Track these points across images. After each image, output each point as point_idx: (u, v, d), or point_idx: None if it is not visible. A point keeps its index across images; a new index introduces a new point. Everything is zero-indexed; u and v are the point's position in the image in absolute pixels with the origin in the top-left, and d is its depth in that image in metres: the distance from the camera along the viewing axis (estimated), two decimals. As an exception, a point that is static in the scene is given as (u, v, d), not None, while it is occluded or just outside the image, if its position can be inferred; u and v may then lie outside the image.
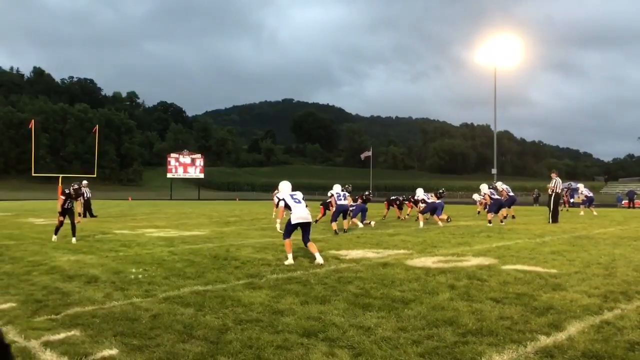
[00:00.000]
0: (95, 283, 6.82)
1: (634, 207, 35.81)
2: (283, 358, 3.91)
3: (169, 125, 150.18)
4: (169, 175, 72.20)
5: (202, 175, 74.62)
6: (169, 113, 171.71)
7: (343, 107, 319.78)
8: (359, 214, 16.15)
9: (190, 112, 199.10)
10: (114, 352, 4.08)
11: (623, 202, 38.44)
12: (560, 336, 4.36)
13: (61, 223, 12.22)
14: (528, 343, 4.17)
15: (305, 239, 8.77)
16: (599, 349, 4.01)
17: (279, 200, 9.24)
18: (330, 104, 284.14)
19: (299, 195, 9.16)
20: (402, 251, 9.86)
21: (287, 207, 8.84)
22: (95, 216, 21.67)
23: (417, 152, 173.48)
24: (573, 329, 4.56)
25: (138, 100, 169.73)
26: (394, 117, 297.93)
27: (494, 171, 57.68)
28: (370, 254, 9.51)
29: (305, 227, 8.80)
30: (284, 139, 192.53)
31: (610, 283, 6.52)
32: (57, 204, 12.04)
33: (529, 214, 24.10)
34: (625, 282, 6.62)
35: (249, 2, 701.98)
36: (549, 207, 17.80)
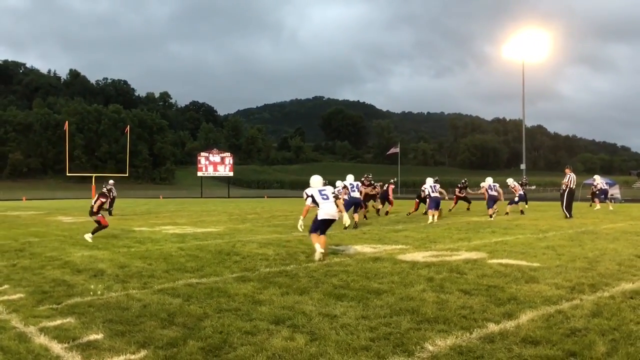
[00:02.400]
0: (100, 276, 7.37)
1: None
2: (246, 342, 4.32)
3: (200, 125, 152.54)
4: (199, 173, 73.43)
5: (231, 174, 75.64)
6: (200, 112, 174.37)
7: (374, 103, 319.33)
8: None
9: (222, 111, 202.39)
10: (99, 336, 4.55)
11: (653, 197, 37.65)
12: (510, 324, 4.66)
13: (106, 224, 12.36)
14: (475, 330, 4.50)
15: (322, 232, 8.84)
16: (539, 335, 4.31)
17: (307, 196, 9.02)
18: (361, 101, 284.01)
19: (327, 191, 9.06)
20: (400, 246, 10.19)
21: (315, 202, 8.79)
22: (112, 215, 22.45)
23: (448, 148, 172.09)
24: (525, 317, 4.85)
25: (171, 101, 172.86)
26: (425, 113, 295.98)
27: (522, 166, 57.07)
28: (367, 249, 9.86)
29: (329, 223, 8.91)
30: (314, 137, 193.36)
31: (585, 276, 6.74)
32: (95, 205, 12.32)
33: (548, 209, 23.98)
34: (600, 275, 6.83)
35: (268, 1, 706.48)
36: (562, 202, 17.81)
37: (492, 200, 17.74)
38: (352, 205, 14.71)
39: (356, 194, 15.00)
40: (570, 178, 17.84)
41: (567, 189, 17.67)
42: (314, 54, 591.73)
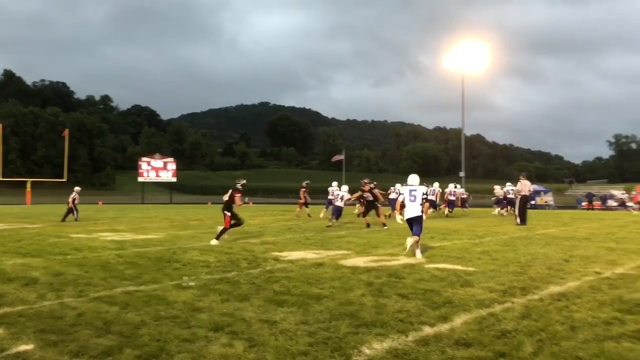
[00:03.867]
0: (33, 285, 7.09)
1: (592, 209, 36.85)
2: (184, 349, 4.28)
3: (142, 129, 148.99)
4: (140, 179, 71.65)
5: (174, 179, 74.20)
6: (143, 116, 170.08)
7: (319, 110, 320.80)
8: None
9: (165, 116, 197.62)
10: (29, 347, 4.39)
11: (583, 204, 39.51)
12: (444, 327, 4.81)
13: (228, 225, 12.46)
14: (411, 333, 4.62)
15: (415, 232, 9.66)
16: (471, 337, 4.47)
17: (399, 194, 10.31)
18: (307, 108, 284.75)
19: (417, 192, 10.03)
20: (342, 252, 10.30)
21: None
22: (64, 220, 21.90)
23: (391, 156, 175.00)
24: (459, 320, 5.02)
25: (112, 104, 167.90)
26: (369, 121, 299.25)
27: (462, 174, 58.69)
28: (310, 255, 9.92)
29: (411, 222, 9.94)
30: (260, 143, 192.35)
31: (517, 280, 7.03)
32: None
33: (485, 215, 24.76)
34: (531, 278, 7.14)
35: (206, 6, 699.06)
36: (515, 209, 18.57)
37: (452, 204, 19.19)
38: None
39: (339, 204, 17.81)
40: (523, 185, 18.54)
41: (520, 197, 18.37)
42: (256, 60, 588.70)
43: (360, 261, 8.90)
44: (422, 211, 9.93)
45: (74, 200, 22.34)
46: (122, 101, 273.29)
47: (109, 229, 17.72)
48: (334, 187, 21.60)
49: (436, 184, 21.95)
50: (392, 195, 20.40)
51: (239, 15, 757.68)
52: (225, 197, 12.69)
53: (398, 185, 20.22)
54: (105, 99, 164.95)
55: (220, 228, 12.35)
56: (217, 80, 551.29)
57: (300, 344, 4.36)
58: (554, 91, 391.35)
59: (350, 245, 11.56)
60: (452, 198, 19.23)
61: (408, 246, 9.42)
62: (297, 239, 13.16)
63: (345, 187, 19.32)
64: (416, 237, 9.43)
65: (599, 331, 4.64)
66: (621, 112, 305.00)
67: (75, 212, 21.98)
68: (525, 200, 18.63)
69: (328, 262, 8.87)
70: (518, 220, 17.91)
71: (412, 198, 9.96)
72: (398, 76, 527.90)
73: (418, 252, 9.37)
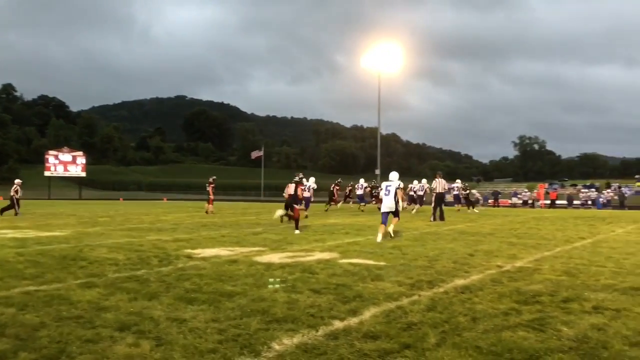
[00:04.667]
0: None
1: (498, 206, 38.87)
2: (86, 350, 4.10)
3: (50, 121, 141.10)
4: (46, 173, 68.08)
5: (84, 174, 71.12)
6: (50, 108, 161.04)
7: (238, 105, 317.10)
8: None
9: (75, 107, 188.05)
10: None
11: (489, 201, 41.61)
12: (354, 320, 4.90)
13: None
14: (321, 327, 4.67)
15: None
16: (379, 330, 4.59)
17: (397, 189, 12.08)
18: (225, 102, 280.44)
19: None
20: (257, 249, 10.27)
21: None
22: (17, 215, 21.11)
23: (310, 153, 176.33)
24: (368, 313, 5.13)
25: (15, 94, 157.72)
26: (289, 118, 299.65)
27: (377, 171, 60.07)
28: (224, 252, 9.81)
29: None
30: (176, 137, 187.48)
31: (425, 273, 7.30)
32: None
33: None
34: (438, 272, 7.43)
35: None
36: (432, 206, 19.27)
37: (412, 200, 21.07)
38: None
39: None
40: (437, 183, 19.24)
41: (436, 194, 19.05)
42: (171, 52, 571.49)
43: (275, 257, 8.91)
44: (396, 202, 11.85)
45: (16, 192, 21.85)
46: (27, 91, 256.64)
47: (10, 225, 16.70)
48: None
49: (424, 180, 23.57)
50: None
51: (152, 6, 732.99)
52: (291, 191, 14.41)
53: (362, 180, 27.05)
54: (8, 87, 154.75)
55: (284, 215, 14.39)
56: (130, 72, 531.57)
57: (209, 341, 4.29)
58: (463, 93, 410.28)
59: (266, 241, 11.54)
60: (411, 193, 21.62)
61: (380, 238, 11.24)
62: (212, 236, 12.98)
63: (312, 179, 22.71)
64: (387, 227, 11.68)
65: (498, 321, 4.89)
66: (524, 114, 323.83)
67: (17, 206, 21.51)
68: (440, 197, 19.40)
69: (242, 259, 8.81)
70: (432, 218, 18.62)
71: (387, 192, 11.92)
72: (315, 74, 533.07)
73: (391, 229, 11.81)
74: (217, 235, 13.03)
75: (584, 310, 5.31)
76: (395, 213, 12.11)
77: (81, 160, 69.46)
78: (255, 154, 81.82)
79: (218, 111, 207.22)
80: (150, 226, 12.91)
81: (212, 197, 24.12)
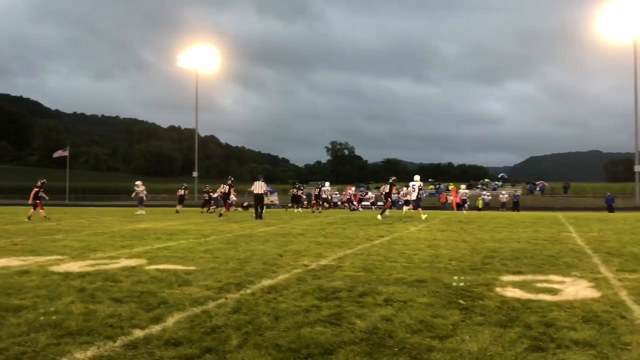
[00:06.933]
0: None
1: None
2: None
3: None
4: None
5: None
6: None
7: (40, 101, 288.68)
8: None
9: None
10: None
11: (305, 203, 43.57)
12: (156, 328, 4.75)
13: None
14: (120, 338, 4.45)
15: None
16: (181, 336, 4.50)
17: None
18: (24, 97, 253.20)
19: None
20: (55, 257, 9.45)
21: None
22: None
23: (123, 153, 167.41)
24: (172, 320, 5.01)
25: None
26: (100, 116, 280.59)
27: (195, 174, 59.14)
28: (15, 262, 8.86)
29: None
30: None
31: (234, 276, 7.34)
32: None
33: (214, 217, 25.39)
34: (247, 274, 7.52)
35: None
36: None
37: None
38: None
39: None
40: (255, 186, 20.76)
41: (255, 195, 21.08)
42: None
43: (74, 266, 8.27)
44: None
45: None
46: None
47: None
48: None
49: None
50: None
51: None
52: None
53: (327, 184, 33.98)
54: None
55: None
56: None
57: (-14, 363, 3.85)
58: (274, 99, 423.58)
59: (66, 249, 10.67)
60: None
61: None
62: (2, 244, 11.65)
63: (327, 183, 29.05)
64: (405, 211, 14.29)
65: (299, 319, 5.10)
66: (333, 122, 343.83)
67: None
68: (259, 199, 22.11)
69: (36, 269, 8.04)
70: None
71: (413, 189, 17.28)
72: (121, 71, 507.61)
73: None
74: (7, 244, 11.72)
75: (376, 303, 5.76)
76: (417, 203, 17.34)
77: None
78: (58, 154, 75.41)
79: (15, 106, 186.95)
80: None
81: (30, 202, 21.61)
